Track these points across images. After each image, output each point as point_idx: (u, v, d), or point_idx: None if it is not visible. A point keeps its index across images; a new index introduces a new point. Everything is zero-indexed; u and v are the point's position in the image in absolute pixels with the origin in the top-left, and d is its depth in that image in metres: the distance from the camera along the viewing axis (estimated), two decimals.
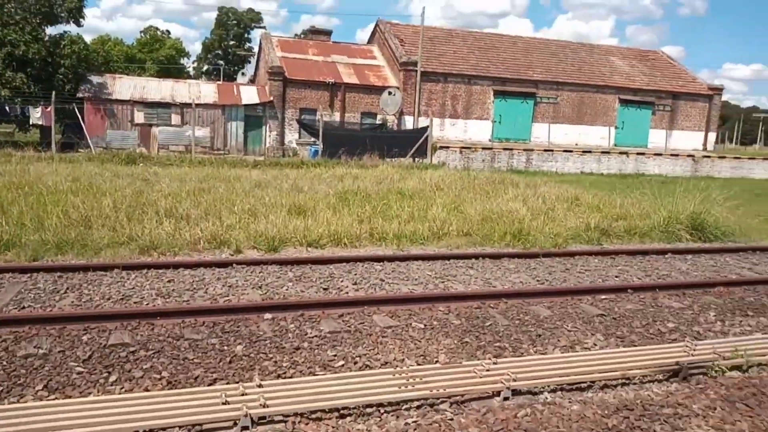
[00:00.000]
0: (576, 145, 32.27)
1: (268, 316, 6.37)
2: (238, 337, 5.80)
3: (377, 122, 30.24)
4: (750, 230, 12.94)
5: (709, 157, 31.22)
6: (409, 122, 30.66)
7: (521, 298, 7.36)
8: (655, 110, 35.56)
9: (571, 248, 10.58)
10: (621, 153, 29.53)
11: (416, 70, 30.27)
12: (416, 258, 9.14)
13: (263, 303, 6.69)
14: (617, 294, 7.80)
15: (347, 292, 7.39)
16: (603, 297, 7.64)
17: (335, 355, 5.48)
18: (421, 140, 24.98)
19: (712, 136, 37.54)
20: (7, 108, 26.33)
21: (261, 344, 5.65)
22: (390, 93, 29.19)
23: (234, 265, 8.27)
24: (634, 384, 5.11)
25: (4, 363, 5.01)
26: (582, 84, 34.20)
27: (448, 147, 26.77)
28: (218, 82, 35.52)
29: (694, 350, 5.63)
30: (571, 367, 5.14)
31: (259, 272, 8.06)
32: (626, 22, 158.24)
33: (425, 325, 6.31)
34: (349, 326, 6.20)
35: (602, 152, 29.26)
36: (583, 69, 35.73)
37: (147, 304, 6.65)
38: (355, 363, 5.35)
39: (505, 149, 27.91)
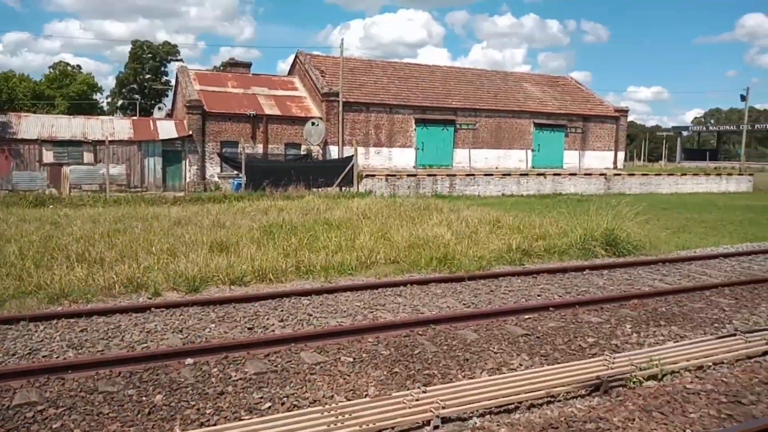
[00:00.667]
0: (496, 168, 33.38)
1: (189, 361, 6.10)
2: (158, 385, 5.52)
3: (302, 153, 30.15)
4: (659, 243, 13.73)
5: (619, 175, 33.06)
6: (334, 152, 30.77)
7: (449, 323, 7.44)
8: (568, 132, 37.44)
9: (495, 270, 10.83)
10: (539, 174, 30.78)
11: (338, 101, 30.53)
12: (344, 289, 9.07)
13: (184, 348, 6.41)
14: (540, 313, 8.02)
15: (273, 330, 7.21)
16: (527, 317, 7.84)
17: (262, 398, 5.31)
18: (346, 169, 25.07)
19: (621, 155, 39.88)
20: None
21: (182, 392, 5.39)
22: (313, 123, 29.23)
23: (152, 309, 7.90)
24: (559, 401, 5.24)
25: None
26: (498, 110, 35.59)
27: (374, 175, 27.01)
28: (134, 118, 34.44)
29: (613, 363, 5.85)
30: (498, 389, 5.21)
31: (180, 315, 7.74)
32: (537, 50, 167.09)
33: (354, 359, 6.24)
34: (275, 366, 6.03)
35: (521, 174, 30.39)
36: (499, 96, 37.22)
37: (57, 358, 6.21)
38: (283, 404, 5.20)
39: (429, 175, 28.46)
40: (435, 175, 28.68)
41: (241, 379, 5.70)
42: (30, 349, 6.41)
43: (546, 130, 36.83)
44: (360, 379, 5.73)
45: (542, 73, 48.28)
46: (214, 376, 5.76)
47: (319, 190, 23.49)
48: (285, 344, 6.55)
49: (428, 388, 5.20)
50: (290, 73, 37.76)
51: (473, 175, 29.48)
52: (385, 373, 5.88)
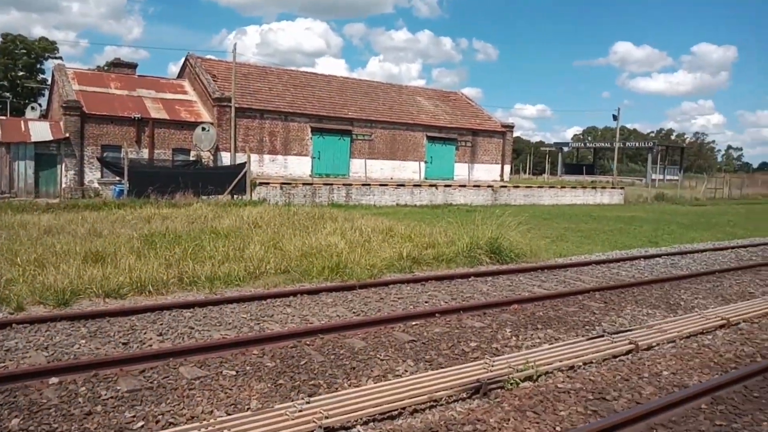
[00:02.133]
0: (391, 179, 33.96)
1: (54, 380, 5.61)
2: (15, 408, 5.02)
3: (191, 159, 28.97)
4: (539, 251, 14.52)
5: (506, 187, 34.78)
6: (226, 158, 29.86)
7: (337, 332, 7.40)
8: (458, 146, 38.90)
9: (386, 278, 10.96)
10: (431, 185, 31.67)
11: (230, 106, 29.71)
12: (230, 301, 8.77)
13: (48, 366, 5.89)
14: (426, 319, 8.20)
15: (151, 345, 6.81)
16: (414, 323, 7.98)
17: (134, 416, 4.98)
18: (239, 177, 24.40)
19: (508, 168, 42.01)
20: None
21: (43, 414, 4.94)
22: (204, 129, 28.23)
23: (13, 325, 7.20)
24: (441, 405, 5.36)
25: None
26: (393, 122, 36.28)
27: (268, 183, 26.50)
28: (2, 118, 31.44)
29: (492, 366, 6.08)
30: (382, 396, 5.23)
31: (46, 331, 7.12)
32: (432, 66, 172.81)
33: (237, 372, 6.03)
34: (151, 382, 5.69)
35: (414, 185, 31.12)
36: (394, 108, 37.98)
37: None
38: (157, 422, 4.91)
39: (325, 184, 28.39)
40: (331, 184, 28.67)
41: (112, 397, 5.31)
42: None
43: (438, 143, 38.05)
44: (242, 392, 5.54)
45: (437, 88, 49.92)
46: (82, 395, 5.33)
47: (209, 198, 22.68)
48: (163, 359, 6.20)
49: (312, 399, 5.12)
50: (180, 76, 36.31)
51: (369, 185, 29.78)
52: (269, 385, 5.72)
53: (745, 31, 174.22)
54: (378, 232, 15.02)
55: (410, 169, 36.29)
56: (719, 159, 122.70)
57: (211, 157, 29.51)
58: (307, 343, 6.99)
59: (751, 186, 56.50)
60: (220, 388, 5.62)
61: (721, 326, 8.27)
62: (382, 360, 6.53)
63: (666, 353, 7.11)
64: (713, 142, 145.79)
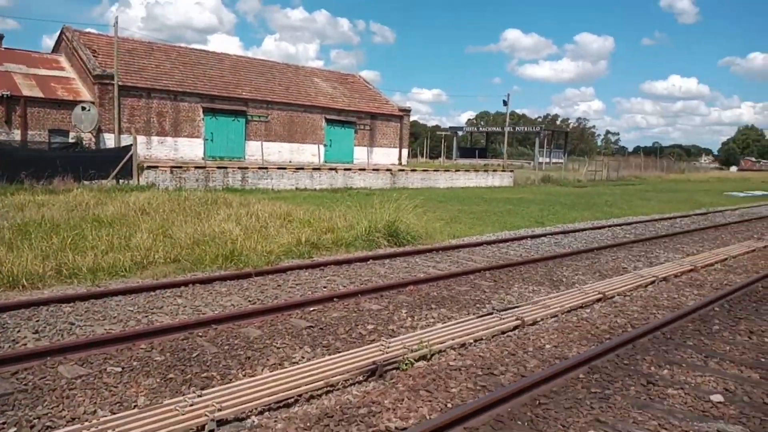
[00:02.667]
0: (290, 162, 33.46)
1: None
2: None
3: (70, 141, 26.89)
4: (435, 233, 14.95)
5: (403, 170, 35.36)
6: (110, 141, 28.01)
7: (232, 321, 7.21)
8: (357, 129, 39.00)
9: (284, 264, 10.81)
10: (331, 169, 31.54)
11: (113, 84, 27.82)
12: (115, 293, 8.27)
13: None
14: (325, 304, 8.19)
15: (25, 344, 6.29)
16: (312, 309, 7.95)
17: (5, 423, 4.59)
18: (124, 160, 22.95)
19: (405, 152, 42.75)
20: None
21: None
22: (84, 108, 26.25)
23: None
24: (338, 390, 5.39)
25: None
26: (290, 104, 35.66)
27: (156, 167, 25.16)
28: None
29: (388, 348, 6.20)
30: (278, 385, 5.18)
31: None
32: (330, 47, 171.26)
33: (123, 368, 5.72)
34: (25, 384, 5.27)
35: (314, 169, 30.84)
36: (291, 89, 37.32)
37: None
38: (33, 426, 4.56)
39: (219, 168, 27.41)
40: (226, 167, 27.73)
41: None
42: None
43: (337, 126, 37.92)
44: (129, 389, 5.27)
45: (334, 69, 49.55)
46: None
47: (92, 183, 21.20)
48: (39, 359, 5.75)
49: (204, 392, 4.97)
50: (55, 50, 33.50)
51: (266, 168, 29.13)
52: (158, 380, 5.48)
53: (622, 23, 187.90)
54: (276, 217, 14.77)
55: (309, 152, 35.93)
56: (599, 143, 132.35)
57: (93, 139, 27.56)
58: (200, 334, 6.76)
59: (626, 168, 61.40)
60: (104, 386, 5.31)
61: (598, 300, 8.95)
62: (278, 348, 6.45)
63: (549, 327, 7.59)
64: (594, 127, 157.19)
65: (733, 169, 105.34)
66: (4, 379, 5.35)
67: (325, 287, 9.32)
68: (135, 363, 5.85)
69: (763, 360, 6.56)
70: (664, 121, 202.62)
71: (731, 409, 5.24)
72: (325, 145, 36.94)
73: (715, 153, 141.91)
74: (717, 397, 5.46)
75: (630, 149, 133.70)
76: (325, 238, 12.85)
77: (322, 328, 7.19)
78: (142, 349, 6.23)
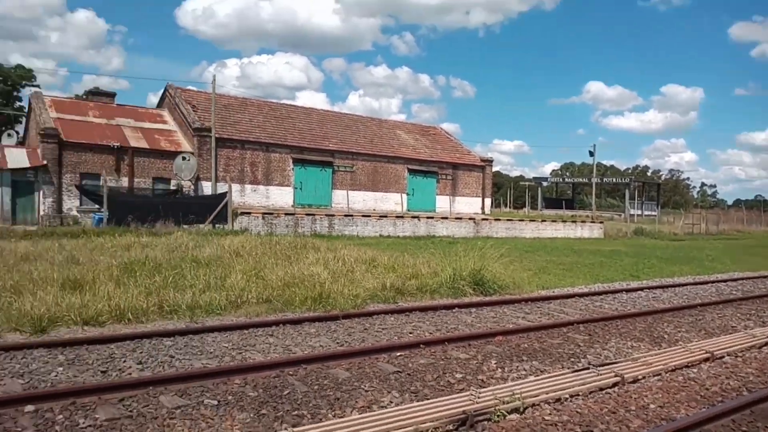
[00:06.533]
0: (374, 210, 34.04)
1: (29, 408, 5.41)
2: None
3: (172, 188, 28.77)
4: (522, 283, 14.55)
5: (487, 219, 35.02)
6: (207, 188, 29.71)
7: (321, 362, 7.27)
8: (439, 179, 39.25)
9: (369, 308, 10.85)
10: (413, 217, 31.77)
11: (210, 136, 29.68)
12: (211, 330, 8.59)
13: (24, 393, 5.69)
14: (411, 350, 8.09)
15: (130, 373, 6.62)
16: (398, 354, 7.87)
17: None
18: (220, 206, 24.24)
19: (488, 201, 42.45)
20: None
21: None
22: (184, 158, 28.11)
23: None
24: None
25: None
26: (375, 155, 36.57)
27: (249, 213, 26.34)
28: None
29: (479, 398, 6.00)
30: (367, 427, 5.12)
31: (22, 358, 6.90)
32: (411, 101, 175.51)
33: (219, 401, 5.86)
34: (130, 411, 5.51)
35: (397, 216, 31.18)
36: (375, 141, 38.31)
37: None
38: None
39: (308, 214, 28.31)
40: (314, 214, 28.61)
41: (90, 426, 5.13)
42: None
43: (419, 176, 38.35)
44: (225, 422, 5.38)
45: (416, 122, 50.58)
46: (59, 423, 5.14)
47: (191, 227, 22.45)
48: (142, 388, 6.02)
49: (296, 429, 4.99)
50: (159, 106, 36.34)
51: (351, 215, 29.77)
52: (251, 415, 5.57)
53: (711, 74, 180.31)
54: (361, 262, 14.94)
55: (392, 201, 36.43)
56: (695, 195, 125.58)
57: (192, 187, 29.34)
58: (290, 373, 6.85)
59: (726, 222, 57.67)
60: (201, 417, 5.45)
61: (706, 359, 8.29)
62: (366, 391, 6.41)
63: (652, 386, 7.08)
64: (688, 178, 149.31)
65: None
66: (112, 405, 5.62)
67: (411, 333, 9.23)
68: (230, 397, 5.99)
69: None
70: (765, 173, 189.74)
71: None
72: (407, 194, 37.36)
73: None
74: None
75: (729, 202, 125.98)
76: (410, 284, 12.82)
77: (410, 374, 7.09)
78: (236, 384, 6.38)
